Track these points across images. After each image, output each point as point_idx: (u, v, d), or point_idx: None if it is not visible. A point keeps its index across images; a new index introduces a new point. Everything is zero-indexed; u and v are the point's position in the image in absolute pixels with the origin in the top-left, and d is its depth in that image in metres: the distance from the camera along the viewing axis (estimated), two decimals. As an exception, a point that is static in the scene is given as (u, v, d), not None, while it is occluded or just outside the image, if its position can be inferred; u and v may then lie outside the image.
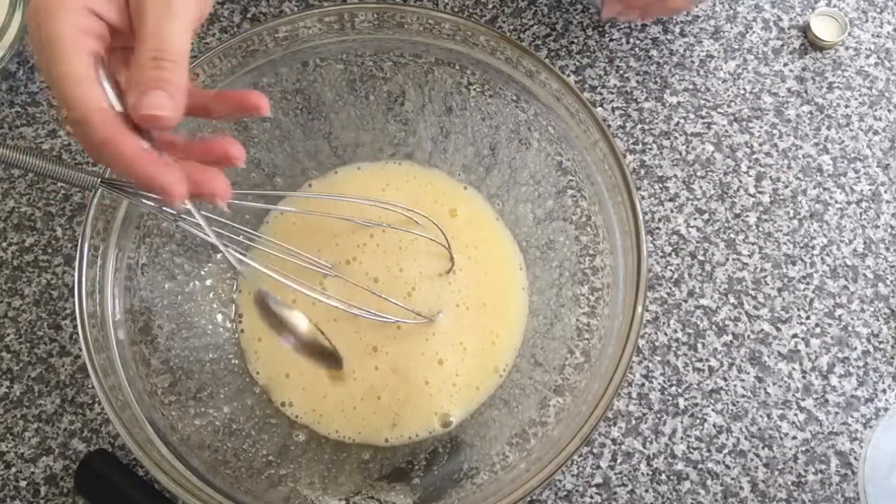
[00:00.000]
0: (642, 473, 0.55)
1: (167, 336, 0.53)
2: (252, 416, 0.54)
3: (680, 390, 0.57)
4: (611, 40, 0.65)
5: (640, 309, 0.46)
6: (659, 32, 0.65)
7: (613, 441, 0.55)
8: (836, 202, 0.61)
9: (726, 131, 0.63)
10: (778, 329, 0.58)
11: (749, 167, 0.62)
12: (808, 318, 0.58)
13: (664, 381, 0.57)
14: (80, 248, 0.48)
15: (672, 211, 0.61)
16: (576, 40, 0.65)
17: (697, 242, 0.60)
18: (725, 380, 0.57)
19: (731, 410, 0.56)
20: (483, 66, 0.53)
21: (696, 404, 0.56)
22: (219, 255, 0.56)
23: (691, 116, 0.63)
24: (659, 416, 0.56)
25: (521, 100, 0.54)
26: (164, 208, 0.43)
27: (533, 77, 0.52)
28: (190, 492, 0.45)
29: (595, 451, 0.55)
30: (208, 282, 0.56)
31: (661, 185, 0.61)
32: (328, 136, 0.58)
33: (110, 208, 0.49)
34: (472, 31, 0.52)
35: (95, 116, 0.36)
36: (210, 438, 0.51)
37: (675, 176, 0.62)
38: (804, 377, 0.57)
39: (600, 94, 0.63)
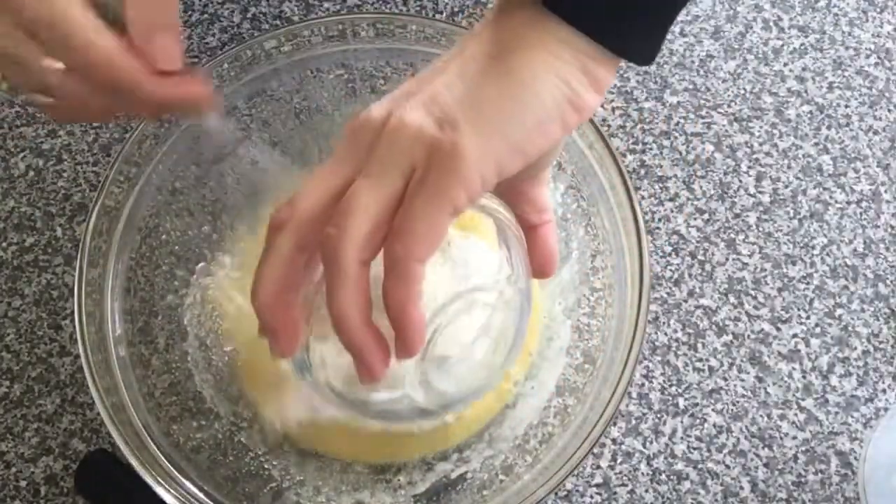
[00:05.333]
0: (642, 473, 0.55)
1: (167, 336, 0.53)
2: (254, 422, 0.53)
3: (680, 390, 0.57)
4: (611, 40, 0.65)
5: (644, 313, 0.46)
6: (659, 32, 0.65)
7: (613, 441, 0.55)
8: (836, 202, 0.61)
9: (726, 131, 0.63)
10: (778, 329, 0.58)
11: (749, 167, 0.62)
12: (808, 317, 0.58)
13: (664, 381, 0.57)
14: (82, 249, 0.48)
15: (672, 211, 0.61)
16: (576, 40, 0.65)
17: (697, 242, 0.60)
18: (725, 380, 0.57)
19: (731, 410, 0.56)
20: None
21: (696, 404, 0.56)
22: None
23: (691, 116, 0.63)
24: (659, 416, 0.56)
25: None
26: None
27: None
28: (182, 499, 0.45)
29: (595, 451, 0.55)
30: (208, 281, 0.56)
31: (661, 185, 0.61)
32: (329, 140, 0.58)
33: (114, 209, 0.49)
34: None
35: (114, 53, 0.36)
36: (209, 442, 0.51)
37: (675, 176, 0.62)
38: (804, 377, 0.57)
39: (600, 93, 0.63)
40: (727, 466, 0.55)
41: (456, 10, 0.65)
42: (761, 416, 0.56)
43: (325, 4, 0.66)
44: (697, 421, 0.56)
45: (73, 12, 0.35)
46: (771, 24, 0.66)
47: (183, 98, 0.38)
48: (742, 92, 0.64)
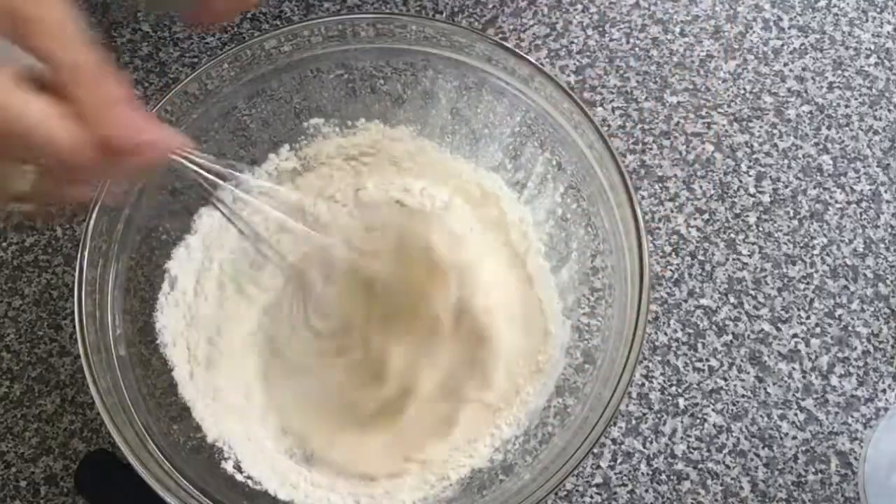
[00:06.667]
0: (642, 473, 0.55)
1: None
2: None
3: (680, 390, 0.57)
4: (611, 40, 0.65)
5: (644, 313, 0.46)
6: (659, 32, 0.65)
7: (613, 441, 0.55)
8: (836, 202, 0.61)
9: (726, 131, 0.63)
10: (778, 329, 0.58)
11: (749, 167, 0.62)
12: (808, 317, 0.58)
13: (664, 381, 0.57)
14: (82, 249, 0.48)
15: (672, 211, 0.61)
16: (576, 40, 0.65)
17: (697, 242, 0.60)
18: (725, 380, 0.57)
19: (731, 410, 0.56)
20: (480, 73, 0.53)
21: (696, 404, 0.56)
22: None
23: (691, 116, 0.63)
24: (659, 416, 0.56)
25: (519, 103, 0.54)
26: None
27: (529, 82, 0.52)
28: (183, 499, 0.45)
29: (595, 451, 0.55)
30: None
31: (661, 185, 0.61)
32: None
33: (114, 209, 0.49)
34: (469, 38, 0.52)
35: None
36: (209, 443, 0.51)
37: (675, 176, 0.62)
38: (804, 377, 0.57)
39: (600, 93, 0.63)
40: (727, 466, 0.55)
41: (456, 10, 0.65)
42: (761, 416, 0.56)
43: (325, 4, 0.66)
44: (697, 421, 0.56)
45: (12, 100, 0.34)
46: (771, 24, 0.66)
47: (159, 155, 0.38)
48: (742, 92, 0.64)
